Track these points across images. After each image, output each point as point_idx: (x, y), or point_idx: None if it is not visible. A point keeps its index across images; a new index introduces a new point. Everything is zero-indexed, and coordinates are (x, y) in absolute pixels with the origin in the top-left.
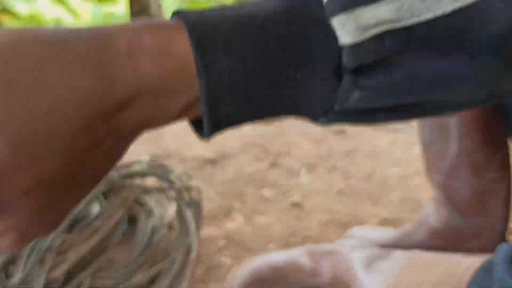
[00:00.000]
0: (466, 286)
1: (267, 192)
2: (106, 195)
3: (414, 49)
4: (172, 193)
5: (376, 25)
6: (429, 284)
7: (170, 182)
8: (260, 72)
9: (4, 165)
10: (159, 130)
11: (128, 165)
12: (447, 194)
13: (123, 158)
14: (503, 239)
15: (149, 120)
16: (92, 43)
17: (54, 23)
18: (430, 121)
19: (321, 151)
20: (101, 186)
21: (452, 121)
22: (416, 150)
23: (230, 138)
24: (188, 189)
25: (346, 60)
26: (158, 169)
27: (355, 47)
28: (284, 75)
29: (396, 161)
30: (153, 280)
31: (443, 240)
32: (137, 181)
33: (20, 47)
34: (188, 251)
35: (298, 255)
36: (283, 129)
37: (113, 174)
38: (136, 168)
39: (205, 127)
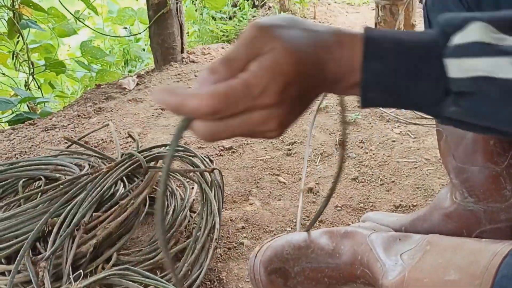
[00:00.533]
0: (495, 270)
1: (283, 178)
2: (131, 177)
3: (497, 94)
4: (195, 176)
5: (474, 71)
6: (455, 267)
7: (193, 165)
8: (398, 78)
9: (286, 77)
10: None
11: (152, 149)
12: (462, 179)
13: (147, 143)
14: None
15: (333, 89)
16: (323, 41)
17: (74, 14)
18: None
19: (335, 141)
20: (126, 168)
21: None
22: (428, 140)
23: None
24: (210, 171)
25: (451, 85)
26: (181, 153)
27: (457, 80)
28: (414, 83)
29: (408, 150)
30: (178, 258)
31: (458, 224)
32: (161, 164)
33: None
34: (211, 230)
35: (318, 235)
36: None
37: (138, 157)
38: (160, 151)
39: (360, 103)
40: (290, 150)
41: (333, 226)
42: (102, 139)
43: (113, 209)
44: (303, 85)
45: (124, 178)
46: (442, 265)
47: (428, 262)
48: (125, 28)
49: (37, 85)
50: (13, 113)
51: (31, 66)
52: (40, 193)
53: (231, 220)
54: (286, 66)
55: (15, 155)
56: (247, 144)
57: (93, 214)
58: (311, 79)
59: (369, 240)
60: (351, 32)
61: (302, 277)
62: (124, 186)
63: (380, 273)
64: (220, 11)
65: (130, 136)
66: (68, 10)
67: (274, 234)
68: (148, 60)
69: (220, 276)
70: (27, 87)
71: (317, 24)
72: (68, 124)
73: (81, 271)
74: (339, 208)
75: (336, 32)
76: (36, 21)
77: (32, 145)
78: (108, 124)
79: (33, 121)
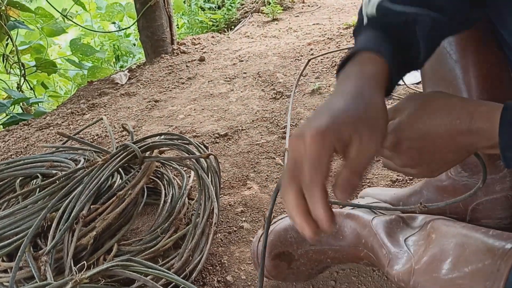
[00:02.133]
0: (507, 272)
1: (280, 160)
2: (127, 168)
3: None
4: (191, 163)
5: None
6: (464, 265)
7: (188, 152)
8: None
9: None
10: (172, 109)
11: (146, 139)
12: None
13: (142, 135)
14: None
15: (474, 147)
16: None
17: (62, 13)
18: (434, 79)
19: None
20: (122, 159)
21: (459, 76)
22: None
23: (241, 114)
24: (206, 157)
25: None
26: (175, 141)
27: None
28: None
29: None
30: (178, 245)
31: (453, 198)
32: (156, 153)
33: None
34: (210, 215)
35: None
36: (292, 104)
37: (133, 147)
38: (155, 141)
39: (502, 161)
40: (285, 133)
41: (331, 204)
42: (97, 134)
43: (111, 200)
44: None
45: (120, 169)
46: (452, 262)
47: (436, 257)
48: (114, 23)
49: (30, 86)
50: (6, 115)
51: (22, 68)
52: (38, 190)
53: (230, 205)
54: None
55: (11, 155)
56: (242, 129)
57: (91, 206)
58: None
59: (373, 224)
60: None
61: (305, 259)
62: (121, 178)
63: (386, 260)
64: (209, 0)
65: (124, 128)
66: (55, 9)
67: (274, 216)
68: (139, 54)
69: (222, 260)
70: (19, 89)
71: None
72: (62, 122)
73: (84, 262)
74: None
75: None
76: (24, 22)
77: (27, 145)
78: (102, 119)
79: (28, 122)
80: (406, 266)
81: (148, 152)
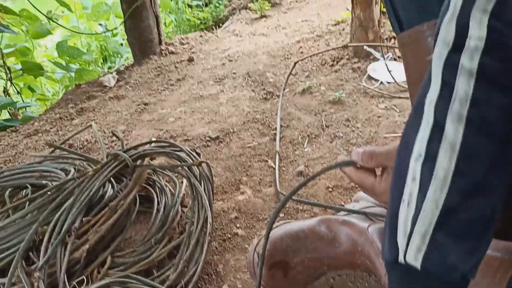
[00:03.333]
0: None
1: (272, 163)
2: (118, 177)
3: None
4: (183, 170)
5: None
6: None
7: (180, 159)
8: None
9: None
10: (162, 112)
11: (137, 147)
12: None
13: (132, 140)
14: None
15: None
16: None
17: (46, 15)
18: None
19: (321, 122)
20: (113, 169)
21: None
22: None
23: (231, 116)
24: (198, 164)
25: None
26: (167, 148)
27: None
28: None
29: (394, 125)
30: (173, 254)
31: None
32: (148, 161)
33: None
34: (204, 224)
35: (315, 224)
36: (282, 104)
37: (124, 156)
38: (146, 149)
39: None
40: (276, 134)
41: (325, 208)
42: (87, 140)
43: (103, 211)
44: None
45: (111, 179)
46: None
47: None
48: (100, 24)
49: (17, 90)
50: None
51: (8, 71)
52: (28, 202)
53: (223, 211)
54: None
55: None
56: (234, 132)
57: (83, 218)
58: None
59: (369, 232)
60: None
61: (301, 267)
62: (112, 187)
63: (383, 270)
64: None
65: (114, 135)
66: (39, 11)
67: (267, 221)
68: (127, 54)
69: (217, 269)
70: (6, 93)
71: None
72: (51, 128)
73: (83, 277)
74: (330, 189)
75: None
76: (8, 25)
77: (16, 153)
78: (91, 125)
79: (15, 128)
80: None
81: (140, 160)
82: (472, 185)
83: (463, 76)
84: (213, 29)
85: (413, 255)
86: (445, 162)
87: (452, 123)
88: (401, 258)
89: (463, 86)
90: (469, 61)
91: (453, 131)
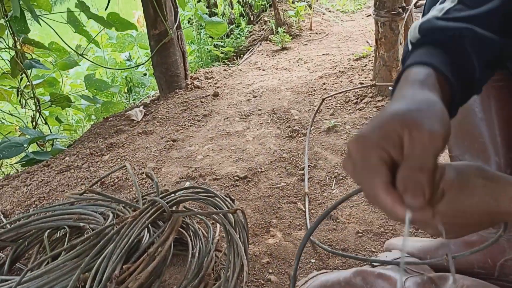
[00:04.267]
0: None
1: (301, 205)
2: (155, 223)
3: None
4: (218, 217)
5: None
6: None
7: (215, 206)
8: None
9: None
10: (190, 150)
11: (173, 193)
12: None
13: (162, 178)
14: None
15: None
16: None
17: (74, 49)
18: (460, 134)
19: None
20: (151, 216)
21: (485, 134)
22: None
23: (258, 155)
24: (233, 212)
25: None
26: (201, 194)
27: None
28: None
29: None
30: None
31: (482, 253)
32: (183, 206)
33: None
34: (240, 271)
35: (351, 276)
36: (309, 144)
37: (161, 203)
38: (182, 194)
39: None
40: (303, 175)
41: (356, 254)
42: (118, 177)
43: (141, 258)
44: None
45: (148, 225)
46: None
47: None
48: (128, 59)
49: (44, 120)
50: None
51: (37, 103)
52: (69, 248)
53: (255, 255)
54: None
55: (34, 201)
56: (261, 171)
57: (123, 266)
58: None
59: (406, 287)
60: None
61: None
62: (149, 232)
63: None
64: None
65: (148, 177)
66: (69, 46)
67: (300, 267)
68: (150, 84)
69: None
70: (34, 124)
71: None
72: (82, 164)
73: None
74: (360, 234)
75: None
76: (39, 60)
77: (49, 190)
78: (125, 166)
79: (47, 162)
80: None
81: (175, 206)
82: None
83: None
84: (234, 60)
85: None
86: None
87: None
88: None
89: None
90: None
91: None
